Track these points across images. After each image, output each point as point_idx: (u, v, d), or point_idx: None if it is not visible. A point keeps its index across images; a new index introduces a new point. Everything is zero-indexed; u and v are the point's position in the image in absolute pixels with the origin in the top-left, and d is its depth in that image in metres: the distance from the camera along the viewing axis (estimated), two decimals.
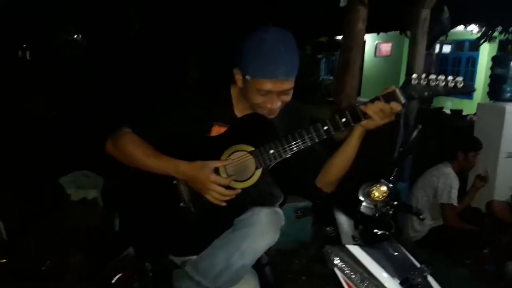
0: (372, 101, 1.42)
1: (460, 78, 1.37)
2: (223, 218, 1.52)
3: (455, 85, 1.36)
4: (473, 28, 7.77)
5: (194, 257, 1.54)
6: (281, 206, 1.57)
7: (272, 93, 1.48)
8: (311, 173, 1.68)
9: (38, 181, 3.87)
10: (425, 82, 1.38)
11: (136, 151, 1.52)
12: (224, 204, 1.49)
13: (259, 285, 1.57)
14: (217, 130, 1.57)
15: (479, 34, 7.72)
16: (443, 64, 13.16)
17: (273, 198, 1.52)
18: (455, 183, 3.48)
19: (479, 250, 3.49)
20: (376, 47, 14.44)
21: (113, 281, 2.03)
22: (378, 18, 3.68)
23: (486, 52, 11.18)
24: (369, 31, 4.38)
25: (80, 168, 4.18)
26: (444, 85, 1.37)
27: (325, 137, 1.47)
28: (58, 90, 7.43)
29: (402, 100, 1.39)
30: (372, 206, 1.41)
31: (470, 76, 12.01)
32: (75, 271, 2.83)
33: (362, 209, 1.42)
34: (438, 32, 3.51)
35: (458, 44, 12.72)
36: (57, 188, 3.87)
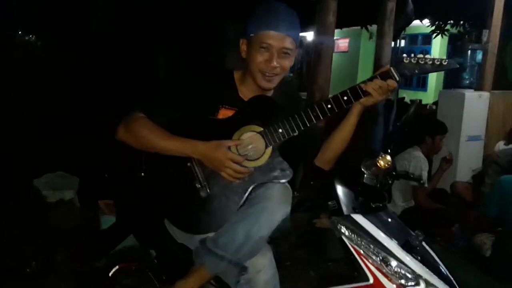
0: (370, 79, 1.56)
1: (444, 58, 1.54)
2: (239, 194, 1.59)
3: (441, 63, 1.53)
4: (426, 22, 8.16)
5: (211, 234, 1.60)
6: (289, 182, 1.66)
7: (273, 49, 1.59)
8: (310, 153, 1.79)
9: (13, 182, 3.76)
10: (415, 61, 1.53)
11: (152, 134, 1.57)
12: (238, 181, 1.57)
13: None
14: (224, 113, 1.65)
15: (432, 28, 8.12)
16: None
17: (284, 173, 1.60)
18: (425, 165, 3.69)
19: (448, 228, 3.73)
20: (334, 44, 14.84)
21: (110, 274, 2.04)
22: (340, 13, 3.84)
23: (438, 45, 11.76)
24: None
25: (54, 170, 4.09)
26: (431, 63, 1.52)
27: (328, 114, 1.58)
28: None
29: (397, 77, 1.54)
30: (373, 177, 1.52)
31: None
32: (63, 269, 2.80)
33: (365, 180, 1.53)
34: (403, 23, 3.73)
35: (412, 38, 13.28)
36: (32, 190, 3.78)
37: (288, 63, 1.65)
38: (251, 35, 1.62)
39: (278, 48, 1.60)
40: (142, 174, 1.65)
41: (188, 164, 1.61)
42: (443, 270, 1.56)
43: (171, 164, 1.61)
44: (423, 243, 1.60)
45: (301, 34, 1.72)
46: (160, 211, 1.69)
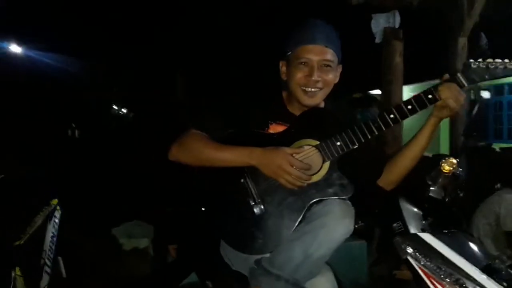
0: (435, 87, 1.45)
1: None
2: (295, 212, 1.50)
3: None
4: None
5: (267, 255, 1.51)
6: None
7: (312, 62, 1.55)
8: (373, 172, 1.66)
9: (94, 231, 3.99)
10: (484, 66, 1.42)
11: (207, 146, 1.55)
12: (296, 188, 1.48)
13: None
14: (275, 128, 1.61)
15: None
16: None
17: (344, 189, 1.49)
18: None
19: None
20: None
21: None
22: (415, 68, 3.76)
23: None
24: (406, 82, 4.43)
25: (131, 219, 4.27)
26: (503, 67, 1.41)
27: (391, 125, 1.48)
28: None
29: (465, 83, 1.43)
30: (441, 190, 1.36)
31: None
32: None
33: (431, 193, 1.38)
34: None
35: (497, 89, 12.52)
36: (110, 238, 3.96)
37: (331, 76, 1.60)
38: (289, 53, 1.60)
39: (317, 61, 1.56)
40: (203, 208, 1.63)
41: (242, 180, 1.55)
42: None
43: (225, 181, 1.57)
44: (510, 269, 1.36)
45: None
46: (216, 232, 1.64)
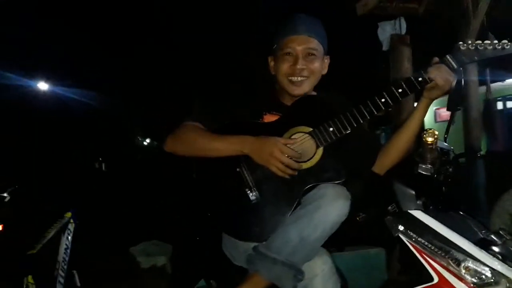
0: (424, 70, 1.46)
1: (505, 41, 1.43)
2: (290, 198, 1.50)
3: (503, 47, 1.42)
4: None
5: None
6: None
7: (296, 51, 1.59)
8: (368, 159, 1.66)
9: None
10: (473, 47, 1.44)
11: (200, 136, 1.58)
12: (287, 176, 1.49)
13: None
14: (269, 118, 1.63)
15: None
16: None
17: (338, 174, 1.49)
18: None
19: None
20: (435, 113, 14.18)
21: None
22: None
23: None
24: None
25: (149, 238, 4.32)
26: (492, 48, 1.42)
27: (383, 109, 1.49)
28: None
29: (455, 65, 1.45)
30: (428, 166, 1.35)
31: None
32: None
33: (420, 170, 1.36)
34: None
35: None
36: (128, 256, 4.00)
37: (316, 65, 1.63)
38: (274, 46, 1.65)
39: (301, 50, 1.60)
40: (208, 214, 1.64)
41: (237, 169, 1.56)
42: None
43: (221, 171, 1.58)
44: (508, 243, 1.32)
45: None
46: (215, 223, 1.65)
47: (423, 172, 1.35)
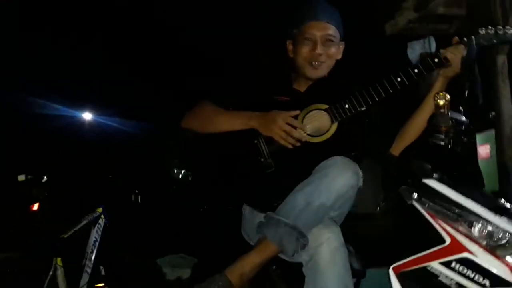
0: (440, 51, 1.52)
1: None
2: (303, 170, 1.55)
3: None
4: None
5: None
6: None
7: (315, 37, 1.67)
8: (385, 140, 1.71)
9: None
10: (492, 32, 1.51)
11: (214, 112, 1.70)
12: (291, 146, 1.56)
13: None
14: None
15: None
16: None
17: (350, 149, 1.56)
18: None
19: None
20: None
21: None
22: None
23: None
24: None
25: (176, 252, 4.38)
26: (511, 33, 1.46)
27: (399, 88, 1.54)
28: None
29: (474, 46, 1.50)
30: (441, 136, 1.36)
31: None
32: None
33: (433, 139, 1.37)
34: None
35: None
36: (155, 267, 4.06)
37: (334, 50, 1.72)
38: (294, 31, 1.74)
39: (320, 36, 1.68)
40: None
41: (255, 141, 1.65)
42: None
43: (240, 142, 1.67)
44: None
45: None
46: (234, 193, 1.71)
47: (436, 141, 1.36)
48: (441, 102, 1.29)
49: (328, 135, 1.59)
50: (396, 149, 1.67)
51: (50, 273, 2.20)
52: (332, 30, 1.70)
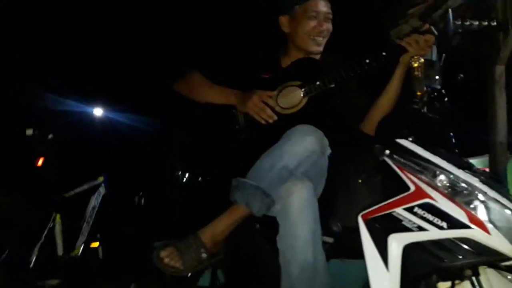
0: (407, 35, 1.64)
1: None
2: (273, 138, 1.69)
3: (489, 24, 1.60)
4: None
5: None
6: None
7: (320, 14, 1.82)
8: (355, 117, 1.84)
9: None
10: (459, 22, 1.58)
11: (202, 84, 1.88)
12: (263, 121, 1.74)
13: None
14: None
15: None
16: None
17: (317, 121, 1.69)
18: None
19: None
20: None
21: None
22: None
23: None
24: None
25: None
26: (478, 23, 1.58)
27: (366, 69, 1.68)
28: None
29: (436, 32, 1.63)
30: (417, 99, 1.47)
31: None
32: None
33: (409, 104, 1.49)
34: None
35: None
36: None
37: (330, 26, 1.89)
38: (296, 6, 1.87)
39: (325, 13, 1.85)
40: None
41: (233, 110, 1.83)
42: None
43: (219, 111, 1.84)
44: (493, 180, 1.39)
45: None
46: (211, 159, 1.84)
47: (411, 106, 1.48)
48: (415, 64, 1.40)
49: (298, 107, 1.76)
50: (367, 125, 1.81)
51: (49, 226, 2.31)
52: (329, 8, 1.87)
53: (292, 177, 1.58)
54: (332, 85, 1.73)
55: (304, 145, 1.57)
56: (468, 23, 1.58)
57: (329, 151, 1.67)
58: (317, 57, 1.93)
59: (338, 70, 1.73)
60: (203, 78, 1.90)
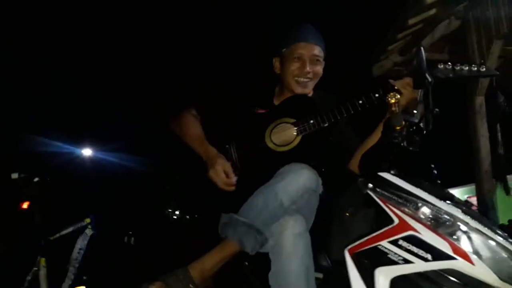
0: (401, 78, 1.70)
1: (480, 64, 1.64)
2: (266, 176, 1.69)
3: (478, 70, 1.63)
4: None
5: None
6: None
7: (305, 57, 1.85)
8: (345, 157, 1.87)
9: None
10: (450, 67, 1.64)
11: (189, 130, 1.89)
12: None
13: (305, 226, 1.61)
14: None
15: None
16: None
17: (310, 159, 1.71)
18: None
19: None
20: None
21: None
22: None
23: None
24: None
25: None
26: (468, 69, 1.63)
27: (359, 109, 1.73)
28: None
29: (429, 78, 1.61)
30: (396, 134, 1.50)
31: None
32: None
33: (387, 138, 1.51)
34: (496, 117, 3.61)
35: None
36: None
37: (319, 68, 1.92)
38: (283, 50, 1.92)
39: (309, 56, 1.88)
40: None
41: (227, 146, 1.84)
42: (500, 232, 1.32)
43: (214, 145, 1.83)
44: (475, 211, 1.42)
45: None
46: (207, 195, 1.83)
47: (391, 140, 1.51)
48: (392, 100, 1.45)
49: (292, 146, 1.77)
50: (353, 163, 1.84)
51: (33, 269, 2.26)
52: (318, 51, 1.91)
53: (285, 214, 1.59)
54: (326, 124, 1.75)
55: (298, 184, 1.57)
56: (458, 67, 1.63)
57: (321, 189, 1.69)
58: (310, 95, 1.96)
59: (332, 110, 1.75)
60: (194, 121, 1.90)
